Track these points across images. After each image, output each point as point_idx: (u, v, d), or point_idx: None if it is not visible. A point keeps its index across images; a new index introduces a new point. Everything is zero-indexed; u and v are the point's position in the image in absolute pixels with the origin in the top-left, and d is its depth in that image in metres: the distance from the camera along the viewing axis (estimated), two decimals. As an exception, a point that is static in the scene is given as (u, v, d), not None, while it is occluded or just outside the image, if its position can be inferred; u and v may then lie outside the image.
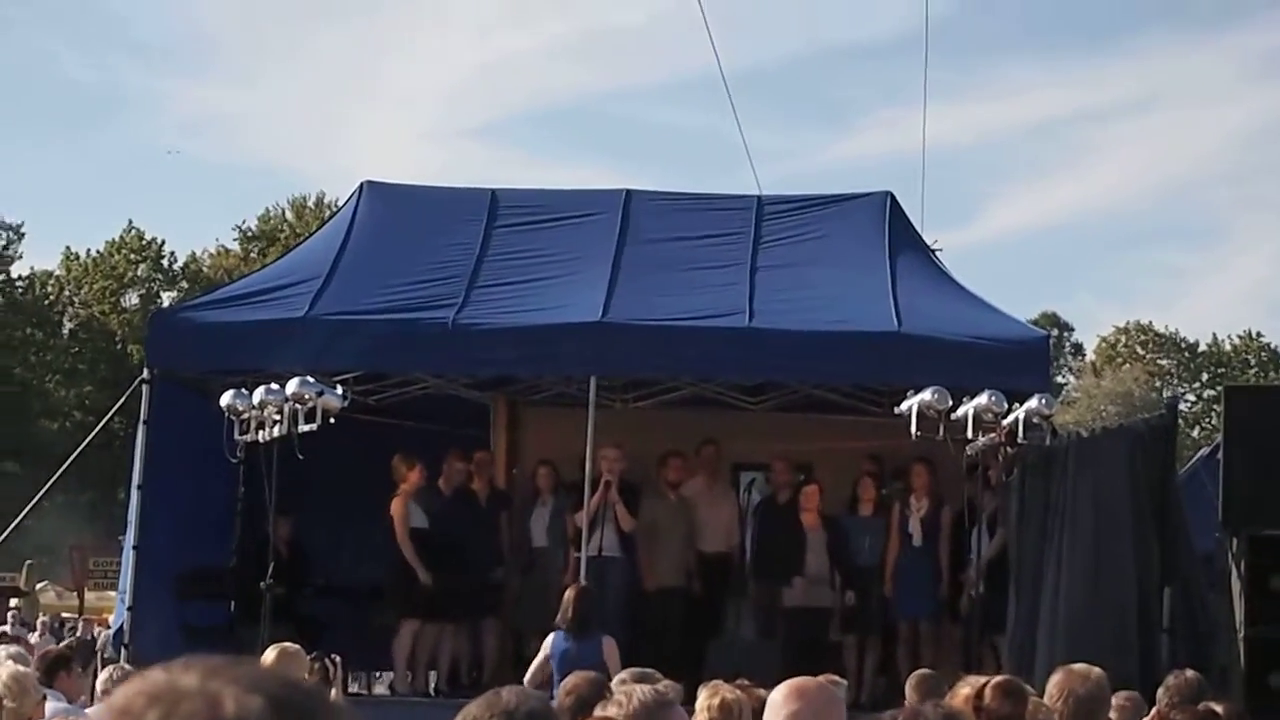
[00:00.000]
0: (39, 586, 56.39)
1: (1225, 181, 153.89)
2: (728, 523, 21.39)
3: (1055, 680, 10.03)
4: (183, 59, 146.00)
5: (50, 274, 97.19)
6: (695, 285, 20.96)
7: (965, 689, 7.99)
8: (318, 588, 20.41)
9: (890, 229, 22.28)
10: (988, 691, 8.23)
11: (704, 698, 9.20)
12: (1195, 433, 73.69)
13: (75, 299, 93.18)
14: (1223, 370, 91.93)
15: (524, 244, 21.87)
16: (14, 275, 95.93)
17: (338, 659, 15.99)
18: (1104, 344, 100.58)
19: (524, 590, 20.03)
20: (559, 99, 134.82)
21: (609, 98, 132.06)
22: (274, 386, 19.26)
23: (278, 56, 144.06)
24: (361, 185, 23.65)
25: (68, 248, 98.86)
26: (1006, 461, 19.39)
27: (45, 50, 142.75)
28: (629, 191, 23.01)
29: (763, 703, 7.47)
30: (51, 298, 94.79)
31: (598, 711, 7.67)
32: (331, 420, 19.37)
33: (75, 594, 54.23)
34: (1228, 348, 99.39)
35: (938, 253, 24.19)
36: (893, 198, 23.21)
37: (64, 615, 50.45)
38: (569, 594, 17.13)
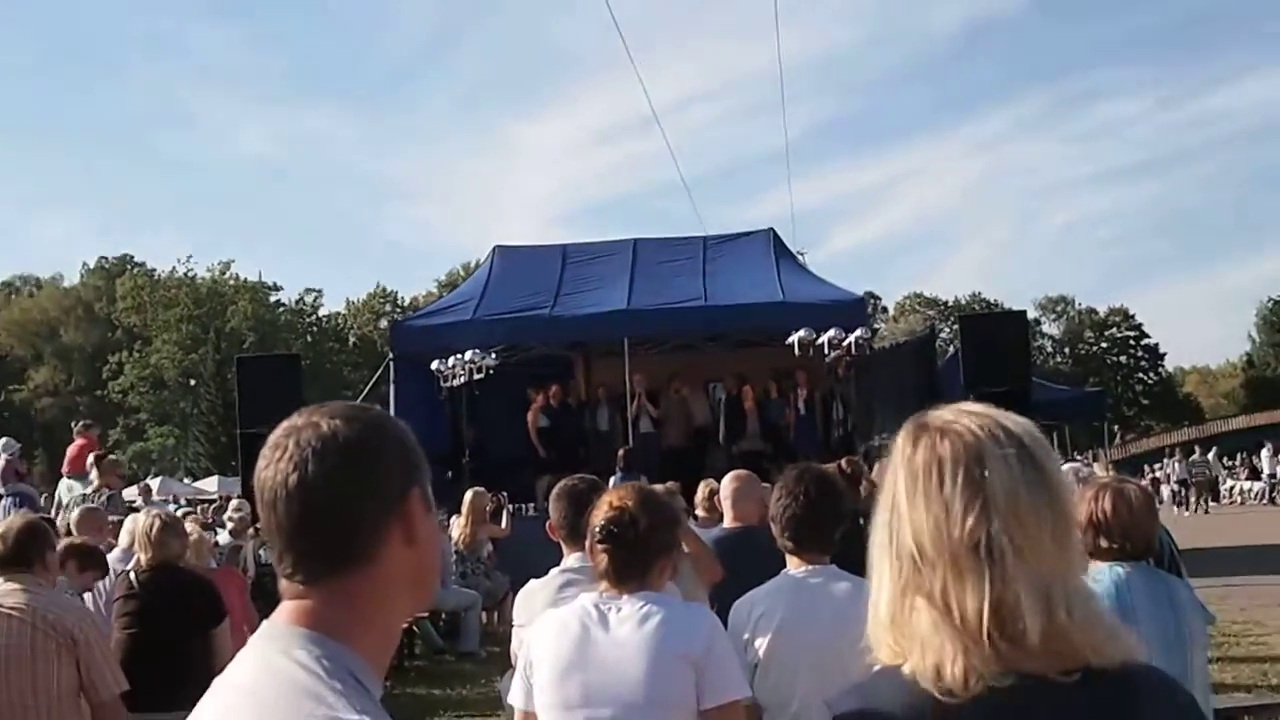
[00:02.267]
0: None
1: (955, 213, 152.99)
2: (705, 411, 21.18)
3: (879, 464, 10.16)
4: (400, 188, 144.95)
5: (339, 314, 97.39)
6: (673, 285, 21.12)
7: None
8: (491, 461, 20.26)
9: (775, 247, 22.60)
10: (844, 462, 8.30)
11: (702, 487, 9.45)
12: (950, 350, 73.63)
13: (354, 326, 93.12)
14: (961, 314, 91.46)
15: (583, 271, 22.03)
16: (321, 316, 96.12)
17: (504, 495, 16.08)
18: (898, 305, 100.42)
19: (599, 453, 19.90)
20: (601, 198, 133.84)
21: (624, 198, 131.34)
22: (459, 356, 19.56)
23: (455, 186, 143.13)
24: (495, 247, 23.99)
25: (348, 298, 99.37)
26: (846, 365, 19.60)
27: (328, 193, 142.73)
28: (637, 240, 23.48)
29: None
30: (341, 327, 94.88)
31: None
32: (491, 372, 19.71)
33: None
34: (964, 301, 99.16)
35: (803, 257, 24.27)
36: (774, 231, 23.57)
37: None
38: (620, 452, 17.39)
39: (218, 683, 1.86)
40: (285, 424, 1.89)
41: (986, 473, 1.88)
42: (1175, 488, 45.65)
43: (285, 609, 1.85)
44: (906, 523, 1.92)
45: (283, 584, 1.87)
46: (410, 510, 1.87)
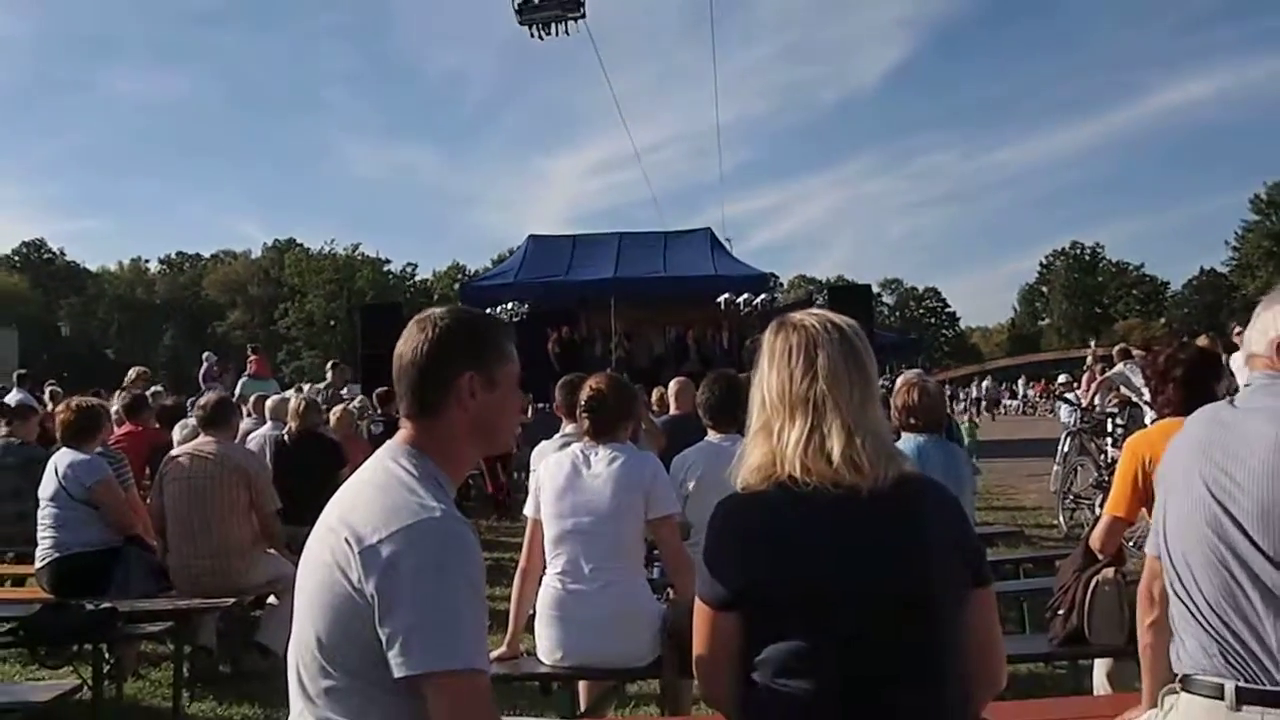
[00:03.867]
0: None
1: (828, 224, 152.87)
2: (662, 345, 20.44)
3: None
4: (469, 197, 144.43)
5: (428, 279, 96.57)
6: (644, 263, 20.61)
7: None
8: (522, 374, 19.93)
9: (710, 240, 22.08)
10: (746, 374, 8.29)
11: (655, 392, 9.25)
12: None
13: (438, 287, 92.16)
14: (830, 287, 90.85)
15: (586, 252, 21.51)
16: (416, 280, 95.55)
17: (530, 395, 15.91)
18: (790, 282, 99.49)
19: (591, 371, 19.65)
20: (599, 207, 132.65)
21: (613, 207, 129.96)
22: (504, 306, 19.27)
23: (504, 196, 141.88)
24: (529, 236, 23.32)
25: (434, 269, 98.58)
26: (754, 319, 19.21)
27: (423, 200, 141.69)
28: (621, 233, 22.77)
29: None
30: (430, 288, 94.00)
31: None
32: (524, 317, 19.32)
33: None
34: (831, 279, 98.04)
35: (729, 245, 23.95)
36: (711, 230, 23.01)
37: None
38: (606, 370, 16.90)
39: (353, 478, 1.95)
40: (419, 315, 1.99)
41: (818, 352, 1.94)
42: (974, 401, 46.60)
43: (399, 433, 1.95)
44: (766, 384, 1.99)
45: (400, 417, 1.97)
46: (461, 384, 1.90)
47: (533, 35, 17.18)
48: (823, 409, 1.90)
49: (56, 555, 5.81)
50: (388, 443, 1.95)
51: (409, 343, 1.94)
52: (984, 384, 50.92)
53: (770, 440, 1.94)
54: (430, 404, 1.91)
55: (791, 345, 1.97)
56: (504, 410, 1.99)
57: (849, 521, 1.85)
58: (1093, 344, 17.72)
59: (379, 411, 11.57)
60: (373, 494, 1.82)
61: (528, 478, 5.23)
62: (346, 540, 1.75)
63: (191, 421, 7.05)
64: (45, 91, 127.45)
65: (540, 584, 3.88)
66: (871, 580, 1.83)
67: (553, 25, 17.03)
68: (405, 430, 1.94)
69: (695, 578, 3.72)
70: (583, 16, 17.00)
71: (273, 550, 5.97)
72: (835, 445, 1.87)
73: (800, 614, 1.84)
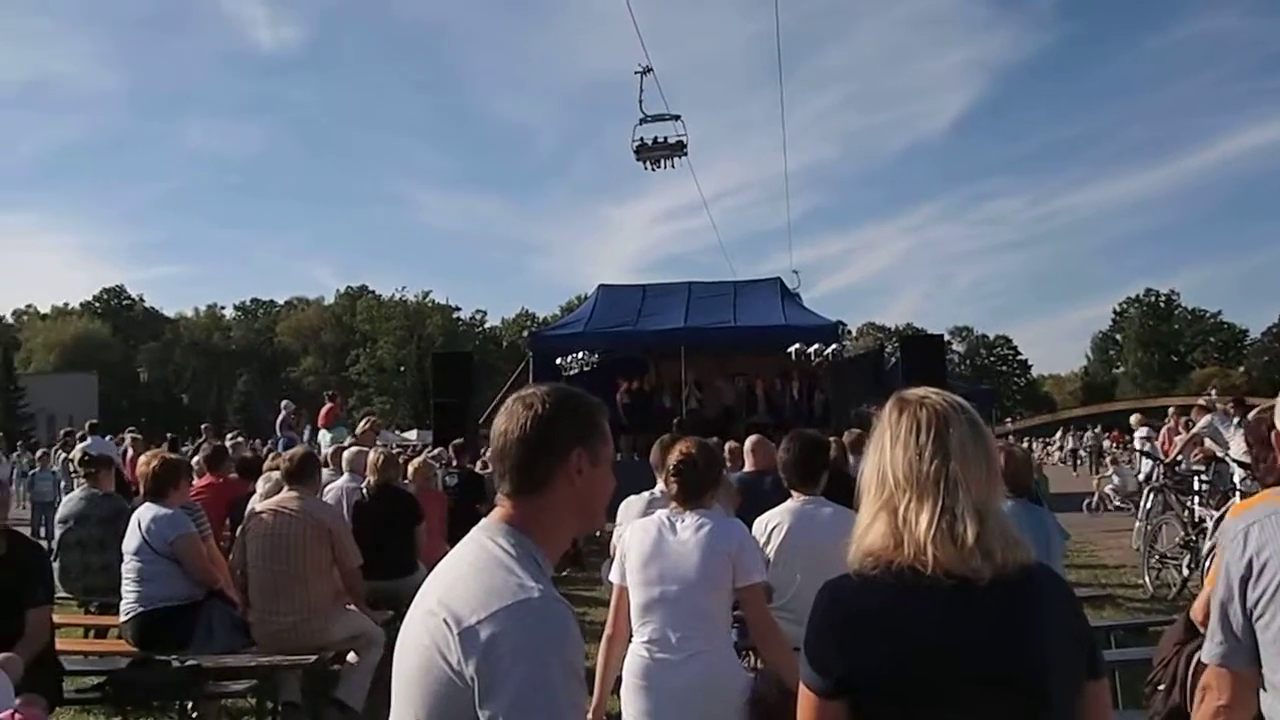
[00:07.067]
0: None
1: (896, 271, 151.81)
2: (732, 396, 20.15)
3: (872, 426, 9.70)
4: (539, 246, 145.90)
5: (497, 326, 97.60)
6: (714, 312, 20.31)
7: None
8: None
9: (780, 289, 21.81)
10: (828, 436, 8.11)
11: (729, 444, 8.87)
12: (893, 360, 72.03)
13: (507, 336, 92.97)
14: (900, 336, 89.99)
15: (655, 302, 21.34)
16: (486, 328, 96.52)
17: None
18: (859, 330, 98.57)
19: (660, 422, 19.43)
20: (666, 254, 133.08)
21: (682, 255, 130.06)
22: (574, 355, 19.42)
23: (573, 245, 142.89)
24: (599, 285, 23.23)
25: (503, 317, 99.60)
26: (825, 369, 19.07)
27: (493, 249, 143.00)
28: (690, 282, 22.41)
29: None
30: (499, 335, 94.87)
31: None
32: (594, 366, 19.48)
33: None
34: (901, 328, 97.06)
35: (798, 293, 23.63)
36: (780, 279, 22.72)
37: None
38: (675, 421, 16.09)
39: (449, 555, 1.94)
40: (517, 393, 1.98)
41: (951, 430, 1.89)
42: (1067, 454, 42.97)
43: (497, 510, 1.94)
44: (889, 462, 1.91)
45: (498, 495, 1.96)
46: (570, 461, 1.90)
47: (645, 168, 21.15)
48: (955, 491, 1.84)
49: (141, 609, 5.89)
50: (483, 520, 1.94)
51: (514, 419, 1.92)
52: (1084, 435, 45.65)
53: (894, 521, 1.86)
54: (537, 480, 1.90)
55: (920, 422, 1.90)
56: (603, 488, 1.99)
57: (966, 611, 1.80)
58: (1215, 393, 16.62)
59: (454, 463, 11.60)
60: (471, 574, 1.82)
61: (604, 535, 5.21)
62: (445, 622, 1.74)
63: (275, 475, 7.14)
64: (134, 143, 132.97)
65: (626, 650, 3.84)
66: (987, 672, 1.78)
67: (661, 160, 20.92)
68: (503, 508, 1.92)
69: (780, 646, 3.67)
70: (685, 154, 20.85)
71: (352, 606, 6.01)
72: (969, 529, 1.81)
73: (913, 705, 1.80)
